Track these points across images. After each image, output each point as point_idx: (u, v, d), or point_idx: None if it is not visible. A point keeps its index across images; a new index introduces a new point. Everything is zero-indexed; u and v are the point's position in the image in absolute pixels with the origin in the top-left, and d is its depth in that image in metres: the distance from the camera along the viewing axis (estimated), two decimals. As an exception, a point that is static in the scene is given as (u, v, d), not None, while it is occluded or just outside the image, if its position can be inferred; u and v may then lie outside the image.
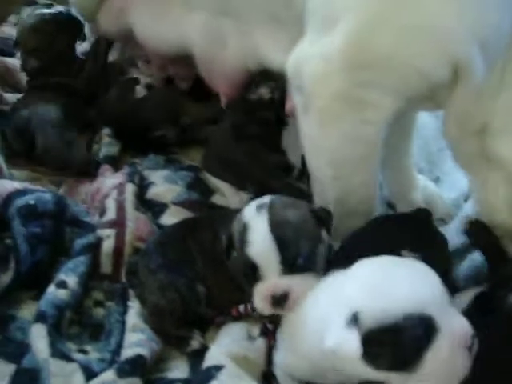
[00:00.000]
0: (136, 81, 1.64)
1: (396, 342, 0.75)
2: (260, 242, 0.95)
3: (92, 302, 1.18)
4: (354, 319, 0.76)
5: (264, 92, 1.41)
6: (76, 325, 1.15)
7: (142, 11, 1.47)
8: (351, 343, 0.75)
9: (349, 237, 1.09)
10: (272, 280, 0.95)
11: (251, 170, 1.35)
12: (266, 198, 1.01)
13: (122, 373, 0.98)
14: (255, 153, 1.37)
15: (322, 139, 1.04)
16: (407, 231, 1.05)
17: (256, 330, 1.06)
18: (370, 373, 0.78)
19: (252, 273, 0.96)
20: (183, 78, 1.59)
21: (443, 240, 1.09)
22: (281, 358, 0.97)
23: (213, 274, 1.12)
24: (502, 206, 1.03)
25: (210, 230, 1.14)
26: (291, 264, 0.94)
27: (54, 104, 1.54)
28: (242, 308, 1.10)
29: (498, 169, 1.02)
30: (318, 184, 1.15)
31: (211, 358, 1.00)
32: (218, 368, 0.96)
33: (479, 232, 1.14)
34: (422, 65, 0.94)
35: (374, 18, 0.94)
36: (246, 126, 1.37)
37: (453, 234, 1.34)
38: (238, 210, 1.06)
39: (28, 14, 1.73)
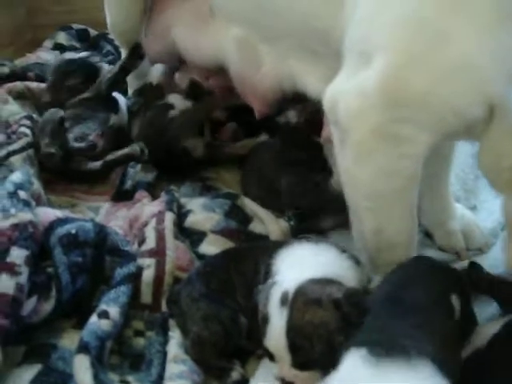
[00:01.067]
0: (171, 106, 1.66)
1: None
2: (276, 340, 0.97)
3: (132, 332, 1.18)
4: None
5: (291, 115, 1.42)
6: (116, 355, 1.15)
7: (185, 25, 1.52)
8: None
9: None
10: (283, 369, 0.97)
11: (297, 197, 1.35)
12: (292, 284, 0.99)
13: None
14: (304, 177, 1.37)
15: (358, 173, 1.05)
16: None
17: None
18: None
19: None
20: (222, 90, 1.61)
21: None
22: None
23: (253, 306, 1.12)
24: None
25: (252, 262, 1.15)
26: (301, 364, 0.95)
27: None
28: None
29: None
30: (356, 217, 1.14)
31: None
32: None
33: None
34: (457, 103, 0.95)
35: (410, 55, 0.95)
36: (293, 151, 1.37)
37: (490, 264, 1.34)
38: (279, 243, 1.08)
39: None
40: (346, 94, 1.02)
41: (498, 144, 0.98)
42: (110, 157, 1.58)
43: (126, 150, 1.58)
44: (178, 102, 1.65)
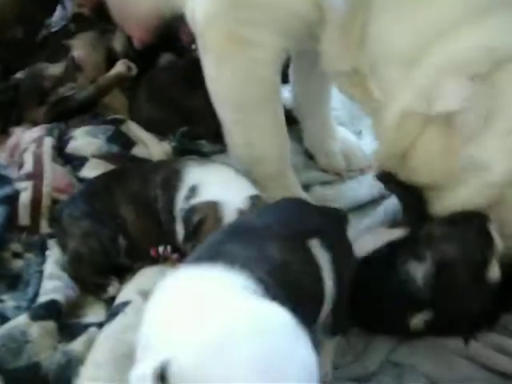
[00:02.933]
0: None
1: None
2: None
3: (10, 254, 1.18)
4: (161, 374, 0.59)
5: None
6: (-7, 280, 1.14)
7: None
8: None
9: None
10: None
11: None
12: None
13: (35, 317, 0.99)
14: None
15: (220, 80, 1.09)
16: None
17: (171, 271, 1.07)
18: None
19: None
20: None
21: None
22: None
23: (137, 220, 1.16)
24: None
25: (139, 177, 1.18)
26: None
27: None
28: (161, 249, 1.13)
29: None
30: (227, 132, 1.18)
31: (121, 296, 1.03)
32: (125, 304, 0.99)
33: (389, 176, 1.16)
34: (292, 4, 1.01)
35: None
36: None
37: (369, 184, 1.39)
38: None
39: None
40: (199, 1, 1.04)
41: (331, 48, 1.02)
42: (101, 81, 1.51)
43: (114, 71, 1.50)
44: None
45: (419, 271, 0.98)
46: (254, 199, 1.06)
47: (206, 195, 1.09)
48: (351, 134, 1.54)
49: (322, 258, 0.88)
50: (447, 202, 1.03)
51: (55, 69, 1.50)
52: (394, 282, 1.00)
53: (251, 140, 1.14)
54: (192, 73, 1.32)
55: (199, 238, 1.03)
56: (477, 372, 0.98)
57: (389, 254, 1.03)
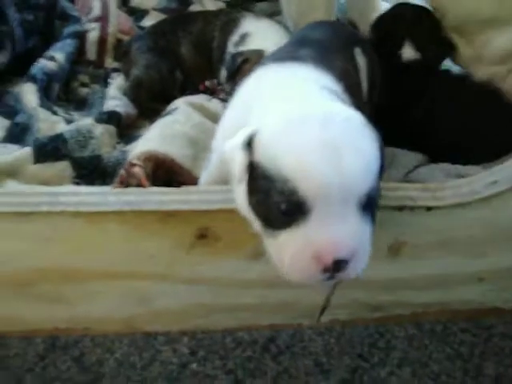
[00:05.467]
0: None
1: (266, 193, 0.66)
2: None
3: (78, 84, 1.34)
4: (249, 143, 0.68)
5: None
6: (64, 101, 1.31)
7: None
8: (238, 164, 0.68)
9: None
10: None
11: None
12: None
13: (99, 120, 1.15)
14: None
15: None
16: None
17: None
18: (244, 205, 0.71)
19: None
20: None
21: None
22: None
23: (194, 57, 1.32)
24: None
25: (202, 20, 1.32)
26: None
27: None
28: (208, 83, 1.26)
29: None
30: None
31: (171, 104, 1.15)
32: (174, 109, 1.12)
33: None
34: None
35: None
36: None
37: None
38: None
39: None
40: None
41: None
42: None
43: None
44: None
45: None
46: None
47: (252, 45, 1.22)
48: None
49: (362, 62, 1.02)
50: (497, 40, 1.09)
51: None
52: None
53: None
54: None
55: (240, 78, 1.16)
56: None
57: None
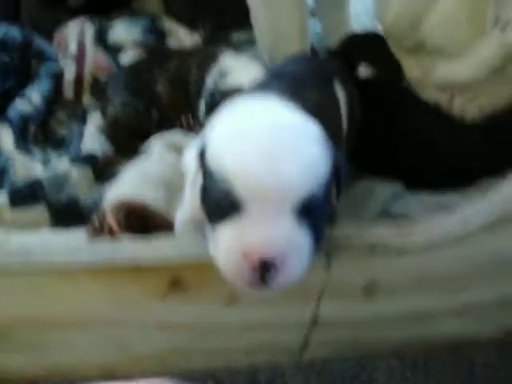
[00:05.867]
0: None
1: (210, 195, 0.71)
2: None
3: (56, 122, 1.34)
4: (201, 153, 0.74)
5: None
6: (41, 141, 1.31)
7: None
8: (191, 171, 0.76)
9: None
10: None
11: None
12: None
13: (75, 162, 1.15)
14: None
15: None
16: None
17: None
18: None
19: None
20: None
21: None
22: None
23: (170, 93, 1.31)
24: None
25: (178, 57, 1.33)
26: None
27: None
28: (184, 118, 1.27)
29: None
30: (253, 14, 1.29)
31: (145, 145, 1.16)
32: (148, 149, 1.12)
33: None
34: None
35: None
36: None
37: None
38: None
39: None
40: None
41: None
42: None
43: None
44: None
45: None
46: None
47: (231, 82, 1.22)
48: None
49: (341, 97, 1.01)
50: (452, 68, 1.10)
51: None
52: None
53: (276, 19, 1.26)
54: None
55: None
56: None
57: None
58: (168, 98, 1.31)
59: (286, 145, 0.68)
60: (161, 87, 1.31)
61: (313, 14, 1.56)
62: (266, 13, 1.27)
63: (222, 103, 1.16)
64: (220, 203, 0.68)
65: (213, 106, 1.19)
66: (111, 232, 0.89)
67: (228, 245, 0.67)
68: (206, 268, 0.74)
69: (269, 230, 0.65)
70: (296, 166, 0.66)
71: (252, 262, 0.64)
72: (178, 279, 0.82)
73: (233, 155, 0.68)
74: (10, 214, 1.06)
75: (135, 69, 1.36)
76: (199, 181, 0.74)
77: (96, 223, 0.89)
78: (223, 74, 1.24)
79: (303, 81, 0.97)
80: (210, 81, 1.26)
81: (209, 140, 0.73)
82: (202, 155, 0.74)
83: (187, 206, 0.87)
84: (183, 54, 1.35)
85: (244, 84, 1.18)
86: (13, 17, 1.51)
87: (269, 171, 0.65)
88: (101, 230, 0.88)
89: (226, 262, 0.68)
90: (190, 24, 1.55)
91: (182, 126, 1.27)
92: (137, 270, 0.80)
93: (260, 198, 0.65)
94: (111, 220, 0.89)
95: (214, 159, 0.70)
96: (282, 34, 1.29)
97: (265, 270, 0.64)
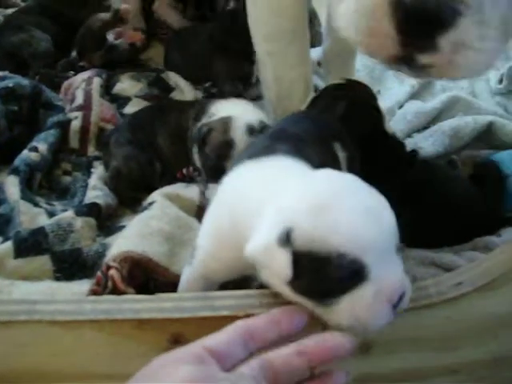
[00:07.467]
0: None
1: (319, 273, 0.69)
2: None
3: (61, 172, 1.38)
4: (287, 237, 0.69)
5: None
6: (46, 189, 1.34)
7: None
8: (281, 263, 0.69)
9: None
10: None
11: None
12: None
13: (79, 212, 1.17)
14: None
15: (255, 13, 1.25)
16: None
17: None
18: (285, 289, 0.73)
19: None
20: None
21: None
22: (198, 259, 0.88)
23: (171, 147, 1.36)
24: None
25: (177, 111, 1.37)
26: None
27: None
28: (185, 170, 1.30)
29: None
30: (261, 66, 1.34)
31: (148, 198, 1.17)
32: (150, 203, 1.13)
33: None
34: None
35: None
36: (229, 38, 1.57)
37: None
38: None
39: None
40: None
41: None
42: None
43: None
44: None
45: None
46: (264, 124, 1.23)
47: (220, 115, 1.27)
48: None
49: (342, 157, 1.06)
50: None
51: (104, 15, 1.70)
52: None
53: (281, 74, 1.30)
54: (218, 37, 1.52)
55: (209, 149, 1.23)
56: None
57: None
58: (168, 151, 1.35)
59: (371, 199, 0.73)
60: (161, 139, 1.35)
61: (316, 72, 1.60)
62: (271, 66, 1.30)
63: (209, 135, 1.21)
64: (342, 276, 0.69)
65: (200, 142, 1.24)
66: (115, 286, 0.91)
67: (369, 301, 0.70)
68: (207, 324, 0.76)
69: (395, 271, 0.72)
70: (388, 213, 0.72)
71: (394, 301, 0.71)
72: (180, 335, 0.83)
73: (343, 227, 0.68)
74: (13, 263, 1.08)
75: (137, 122, 1.40)
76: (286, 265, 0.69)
77: (101, 277, 0.91)
78: (211, 116, 1.28)
79: (307, 142, 0.99)
80: (199, 124, 1.29)
81: (294, 223, 0.69)
82: (287, 241, 0.69)
83: (197, 265, 0.88)
84: (183, 108, 1.39)
85: (231, 114, 1.23)
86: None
87: (380, 228, 0.70)
88: (105, 287, 0.91)
89: (371, 315, 0.72)
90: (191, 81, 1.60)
91: (183, 179, 1.30)
92: (139, 326, 0.82)
93: (378, 254, 0.70)
94: (115, 275, 0.91)
95: (316, 239, 0.68)
96: (286, 88, 1.32)
97: (400, 300, 0.72)
